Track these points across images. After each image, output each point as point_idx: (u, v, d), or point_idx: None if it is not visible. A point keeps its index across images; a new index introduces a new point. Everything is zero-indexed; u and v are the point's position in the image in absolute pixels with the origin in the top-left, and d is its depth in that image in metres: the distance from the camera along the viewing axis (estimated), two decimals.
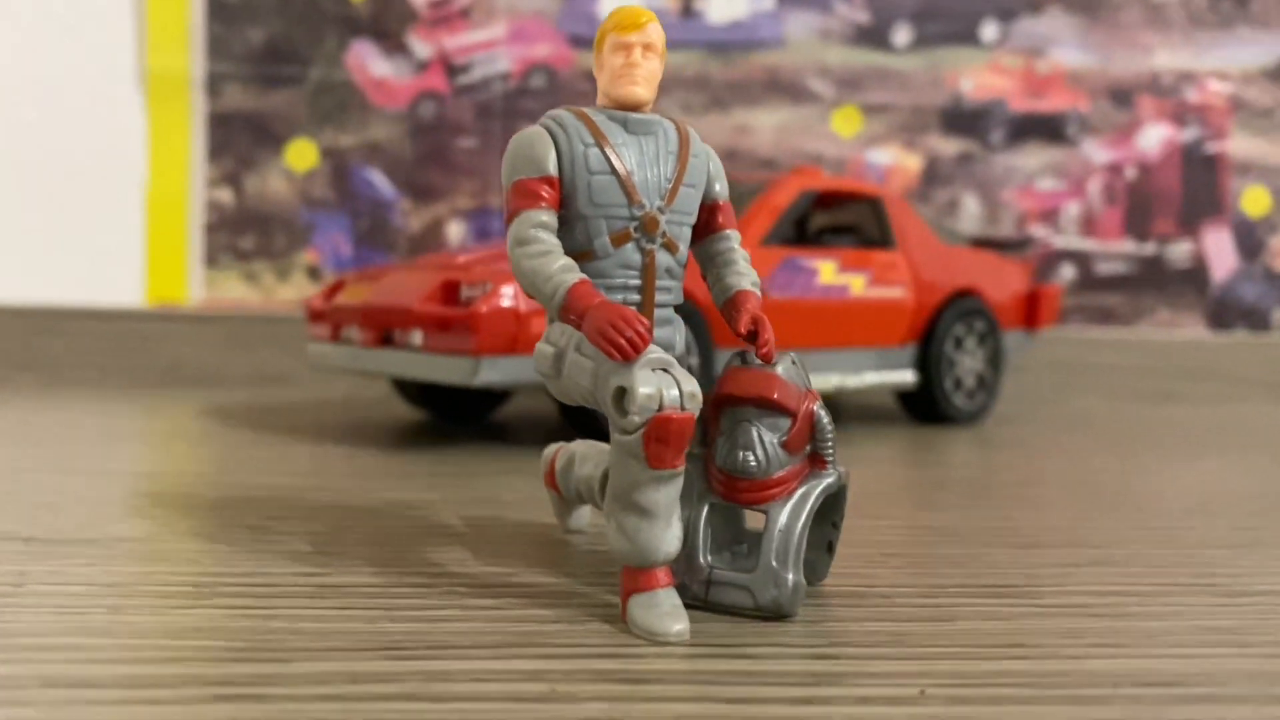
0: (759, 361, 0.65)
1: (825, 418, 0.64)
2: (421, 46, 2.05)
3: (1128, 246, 2.17)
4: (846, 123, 2.12)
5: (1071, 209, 2.16)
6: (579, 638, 0.58)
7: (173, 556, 0.74)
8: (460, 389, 1.48)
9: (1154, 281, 2.17)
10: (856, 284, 1.46)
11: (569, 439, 0.81)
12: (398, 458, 1.19)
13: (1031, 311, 1.74)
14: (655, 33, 0.66)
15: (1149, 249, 2.17)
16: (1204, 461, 1.32)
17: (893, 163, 2.12)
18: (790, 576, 0.61)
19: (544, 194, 0.63)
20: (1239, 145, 2.16)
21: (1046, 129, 2.15)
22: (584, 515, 0.83)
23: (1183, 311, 2.17)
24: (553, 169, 0.64)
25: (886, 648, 0.58)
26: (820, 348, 1.43)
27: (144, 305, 2.04)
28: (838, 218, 1.64)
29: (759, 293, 0.69)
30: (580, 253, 0.64)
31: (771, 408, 0.63)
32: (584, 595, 0.66)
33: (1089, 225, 2.17)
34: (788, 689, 0.52)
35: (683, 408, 0.58)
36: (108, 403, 1.67)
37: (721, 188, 0.70)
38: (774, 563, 0.62)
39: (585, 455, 0.75)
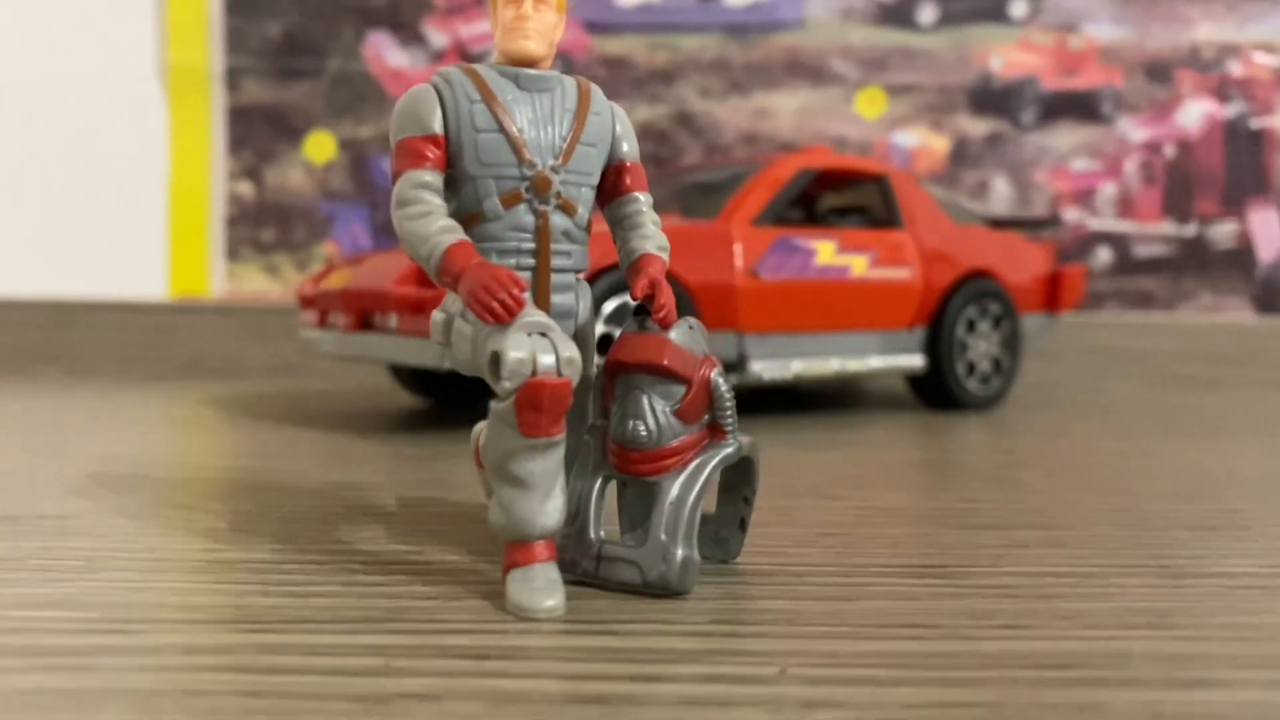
0: (655, 327, 0.61)
1: (723, 385, 0.61)
2: (437, 36, 2.04)
3: (1167, 228, 2.08)
4: (870, 104, 2.06)
5: (1107, 190, 2.08)
6: (448, 614, 0.56)
7: (83, 532, 0.72)
8: (455, 374, 1.46)
9: (1196, 264, 2.08)
10: (858, 265, 1.42)
11: None
12: (372, 442, 1.18)
13: (1054, 293, 1.67)
14: None
15: (1190, 230, 2.08)
16: (1220, 444, 1.26)
17: (919, 144, 2.06)
18: (679, 552, 0.58)
19: (428, 153, 0.61)
20: None
21: (1080, 107, 2.07)
22: None
23: (1227, 295, 2.08)
24: (438, 127, 0.61)
25: (771, 625, 0.54)
26: (818, 331, 1.38)
27: (167, 298, 2.06)
28: (845, 198, 1.59)
29: (665, 257, 0.66)
30: (470, 214, 0.62)
31: (663, 374, 0.60)
32: (480, 573, 0.63)
33: (1126, 206, 2.08)
34: (637, 666, 0.48)
35: (559, 373, 0.55)
36: (123, 392, 1.69)
37: (630, 148, 0.67)
38: (663, 537, 0.58)
39: (487, 425, 0.72)
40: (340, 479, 0.94)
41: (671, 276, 1.22)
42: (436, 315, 0.64)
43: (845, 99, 2.06)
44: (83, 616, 0.54)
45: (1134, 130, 2.08)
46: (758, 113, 2.04)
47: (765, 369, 1.33)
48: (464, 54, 2.03)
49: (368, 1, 2.02)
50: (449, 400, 1.51)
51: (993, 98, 2.06)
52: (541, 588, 0.56)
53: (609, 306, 1.20)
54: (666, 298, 0.62)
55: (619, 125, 0.66)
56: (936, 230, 1.53)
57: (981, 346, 1.54)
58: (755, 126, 2.04)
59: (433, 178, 0.61)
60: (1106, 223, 2.08)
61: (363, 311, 1.24)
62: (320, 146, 2.04)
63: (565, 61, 2.04)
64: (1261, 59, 2.06)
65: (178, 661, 0.48)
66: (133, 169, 2.06)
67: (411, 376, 1.50)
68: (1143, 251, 2.08)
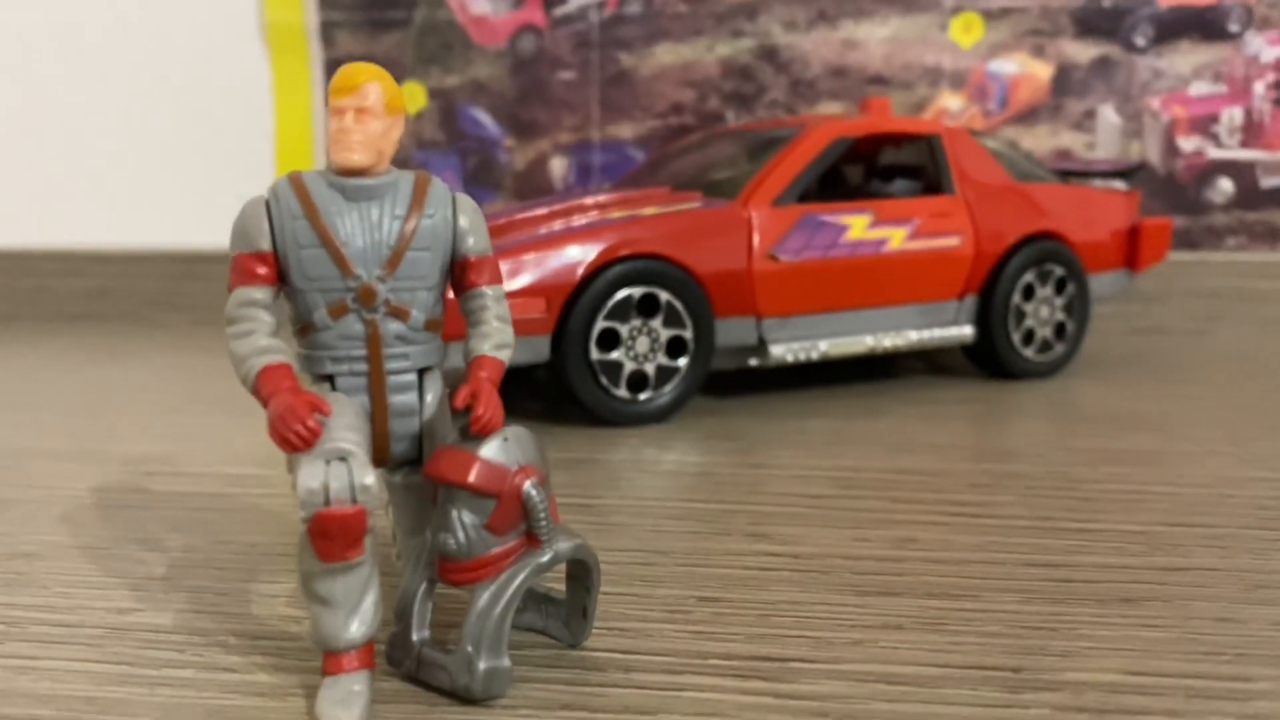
0: (471, 440, 0.63)
1: (536, 495, 0.62)
2: None
3: None
4: (966, 30, 1.94)
5: (1232, 115, 1.91)
6: (275, 715, 0.60)
7: (34, 583, 0.80)
8: None
9: None
10: (896, 237, 1.37)
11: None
12: None
13: (1133, 249, 1.56)
14: (373, 93, 0.64)
15: None
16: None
17: (1019, 72, 1.94)
18: (482, 664, 0.61)
19: (258, 271, 0.64)
20: None
21: (1202, 24, 1.89)
22: None
23: None
24: (265, 245, 0.64)
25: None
26: (848, 308, 1.35)
27: None
28: (889, 161, 1.53)
29: (502, 356, 0.67)
30: (304, 324, 0.65)
31: (470, 490, 0.61)
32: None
33: (1253, 133, 1.91)
34: None
35: (353, 501, 0.58)
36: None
37: (475, 241, 0.67)
38: (469, 648, 0.61)
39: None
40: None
41: (680, 267, 1.22)
42: None
43: (939, 25, 1.94)
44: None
45: (1266, 49, 1.88)
46: (845, 44, 1.96)
47: (787, 351, 1.32)
48: None
49: None
50: None
51: (1102, 18, 1.91)
52: (341, 700, 0.60)
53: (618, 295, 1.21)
54: (484, 408, 0.63)
55: (462, 220, 0.67)
56: (992, 191, 1.45)
57: (1043, 312, 1.47)
58: (843, 59, 1.96)
59: (262, 294, 0.64)
60: (1229, 151, 1.91)
61: None
62: (412, 96, 2.08)
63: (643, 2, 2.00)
64: None
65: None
66: (242, 124, 2.16)
67: None
68: (1271, 181, 1.91)
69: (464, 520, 0.62)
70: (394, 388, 0.66)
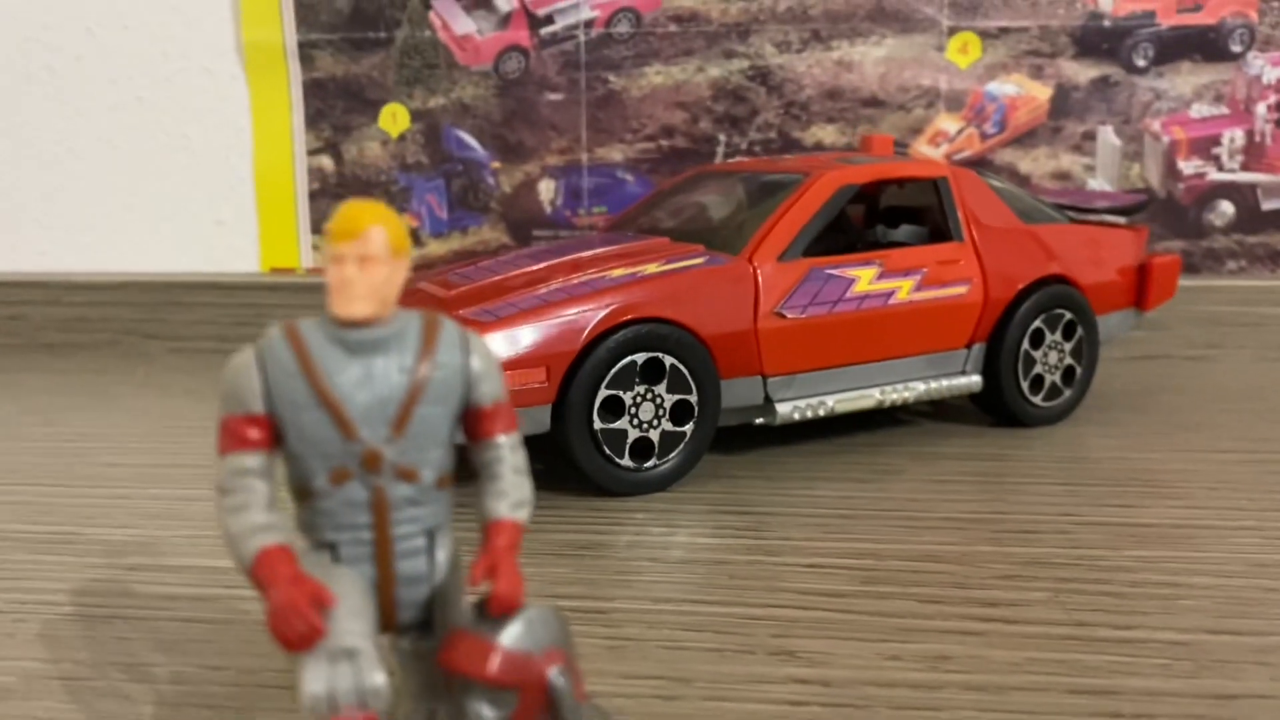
0: (489, 619, 0.58)
1: (563, 685, 0.58)
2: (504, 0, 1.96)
3: None
4: (964, 51, 1.89)
5: (1233, 137, 1.87)
6: None
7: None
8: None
9: None
10: (904, 288, 1.32)
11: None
12: None
13: (1142, 287, 1.53)
14: (377, 239, 0.59)
15: None
16: None
17: (1018, 93, 1.89)
18: None
19: (250, 435, 0.58)
20: None
21: (1204, 45, 1.85)
22: None
23: None
24: (258, 406, 0.58)
25: None
26: (855, 362, 1.31)
27: (260, 274, 2.11)
28: (893, 205, 1.48)
29: (520, 517, 0.62)
30: (302, 490, 0.59)
31: (489, 684, 0.57)
32: None
33: (1255, 155, 1.87)
34: None
35: (363, 704, 0.53)
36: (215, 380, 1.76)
37: (490, 388, 0.62)
38: None
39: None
40: None
41: (685, 329, 1.18)
42: None
43: (936, 46, 1.89)
44: None
45: (1269, 69, 1.85)
46: (840, 65, 1.90)
47: (795, 409, 1.27)
48: (531, 16, 1.95)
49: None
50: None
51: (1102, 38, 1.86)
52: None
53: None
54: (505, 584, 0.58)
55: (476, 364, 0.62)
56: (1001, 236, 1.41)
57: (1051, 358, 1.43)
58: (837, 80, 1.91)
59: (255, 461, 0.58)
60: (1230, 174, 1.87)
61: None
62: (395, 118, 2.02)
63: (634, 17, 1.94)
64: None
65: None
66: (220, 147, 2.10)
67: None
68: (1272, 204, 1.88)
69: (483, 715, 0.57)
70: (402, 554, 0.60)
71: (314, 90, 2.03)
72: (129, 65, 2.06)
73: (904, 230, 1.42)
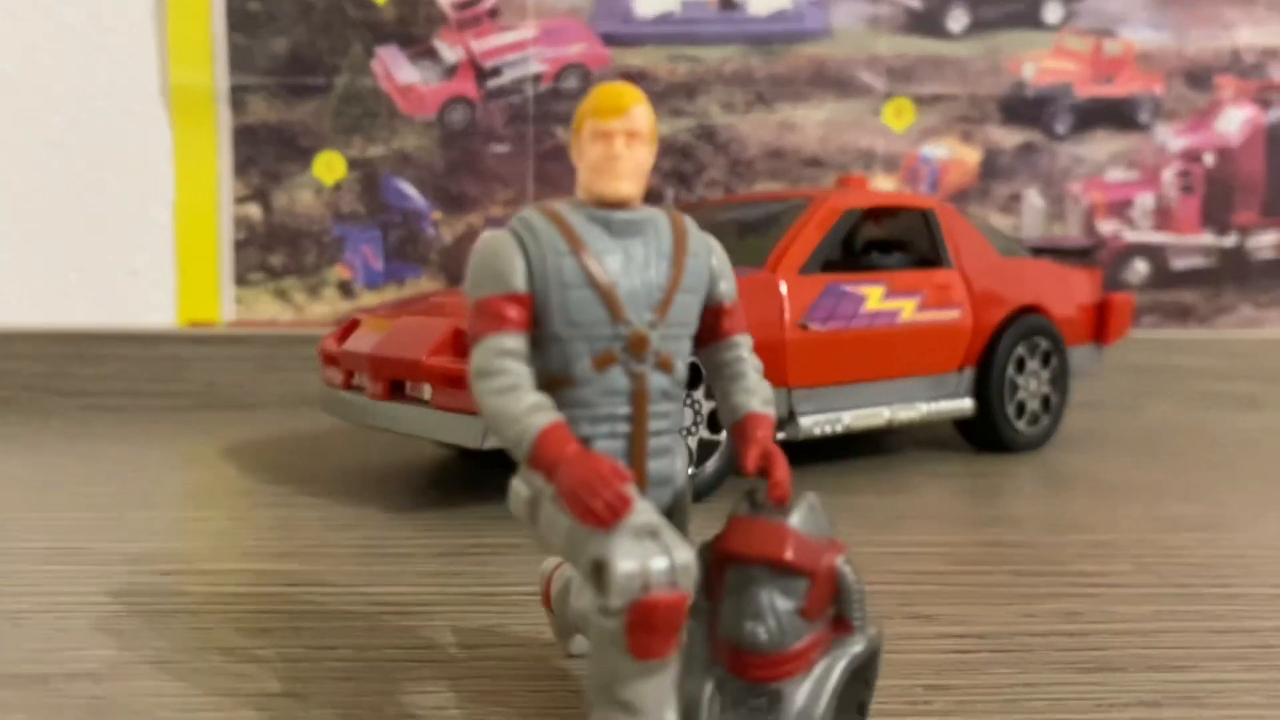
0: (769, 506, 0.55)
1: (851, 575, 0.55)
2: (449, 50, 1.95)
3: (1206, 239, 2.02)
4: (899, 116, 1.99)
5: (1145, 200, 2.01)
6: None
7: (123, 709, 0.66)
8: None
9: (1236, 276, 2.02)
10: (907, 309, 1.35)
11: None
12: (407, 524, 1.11)
13: (1102, 323, 1.61)
14: (642, 116, 0.56)
15: (1230, 241, 2.02)
16: None
17: (949, 156, 1.99)
18: None
19: (511, 315, 0.54)
20: None
21: (1116, 115, 2.00)
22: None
23: (1268, 308, 2.02)
24: (521, 284, 0.54)
25: None
26: (867, 380, 1.32)
27: (176, 326, 1.99)
28: (886, 233, 1.53)
29: (773, 413, 0.59)
30: (558, 378, 0.55)
31: (784, 569, 0.53)
32: None
33: (1164, 217, 2.02)
34: None
35: (674, 584, 0.49)
36: (136, 433, 1.63)
37: (728, 286, 0.60)
38: None
39: (583, 585, 0.66)
40: (384, 594, 0.87)
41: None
42: (518, 487, 0.57)
43: (873, 111, 1.98)
44: None
45: (1172, 138, 2.01)
46: (782, 126, 1.96)
47: (815, 424, 1.27)
48: (477, 69, 1.95)
49: (377, 16, 1.94)
50: (479, 452, 1.44)
51: (1025, 107, 1.99)
52: None
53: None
54: (783, 472, 0.55)
55: (715, 262, 0.60)
56: (984, 266, 1.46)
57: (1031, 385, 1.48)
58: (780, 141, 1.96)
59: (516, 343, 0.54)
60: (1143, 235, 2.01)
61: (392, 379, 1.17)
62: (330, 166, 1.96)
63: (583, 72, 1.96)
64: None
65: None
66: (138, 193, 1.98)
67: None
68: (1181, 263, 2.02)
69: (775, 605, 0.54)
70: (654, 451, 0.57)
71: (244, 136, 1.96)
72: (44, 105, 1.95)
73: (897, 258, 1.46)
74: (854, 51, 1.96)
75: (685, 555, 0.50)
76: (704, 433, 1.17)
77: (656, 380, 0.56)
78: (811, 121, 1.97)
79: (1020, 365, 1.47)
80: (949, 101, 1.98)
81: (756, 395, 0.59)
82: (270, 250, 1.97)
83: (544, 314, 0.55)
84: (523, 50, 1.95)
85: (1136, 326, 1.99)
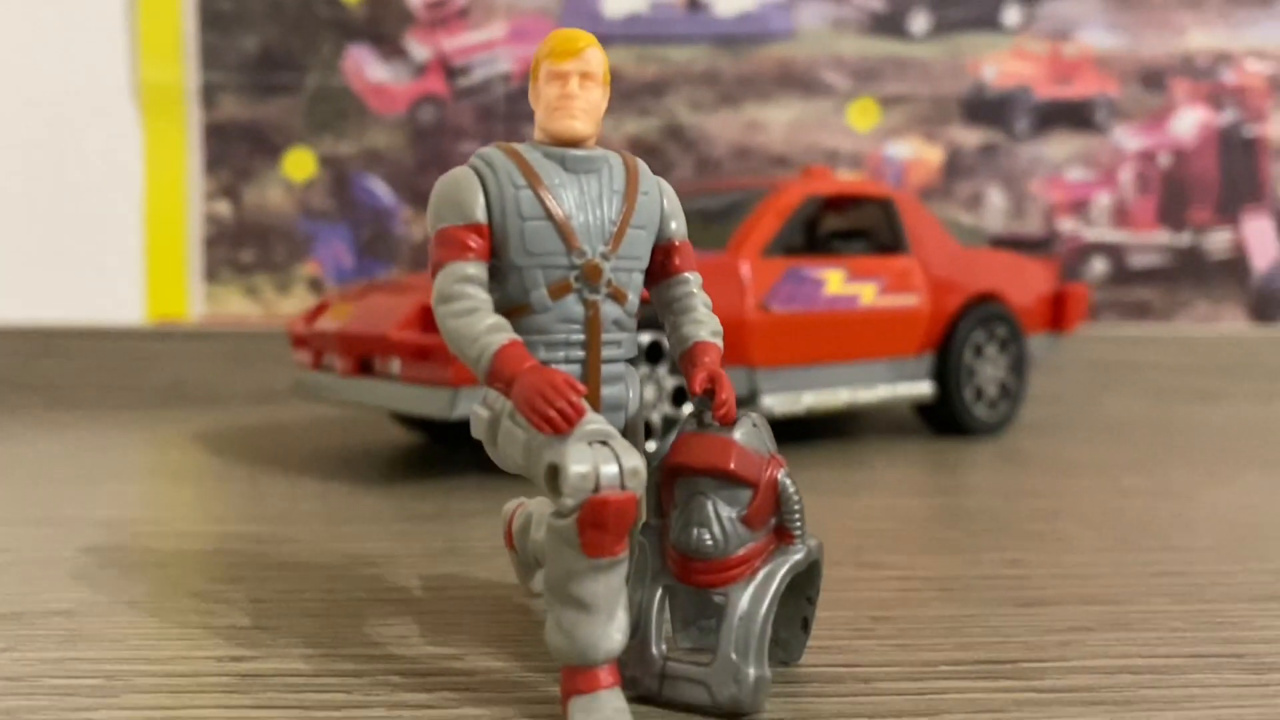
0: (715, 424, 0.58)
1: (791, 486, 0.57)
2: (419, 49, 1.98)
3: (1162, 237, 2.07)
4: (863, 116, 2.03)
5: (1102, 199, 2.06)
6: None
7: (98, 637, 0.68)
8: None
9: (1191, 273, 2.07)
10: (867, 293, 1.39)
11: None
12: (374, 493, 1.13)
13: (1058, 312, 1.65)
14: (595, 59, 0.59)
15: (1185, 239, 2.07)
16: (1246, 476, 1.24)
17: (912, 156, 2.03)
18: (751, 671, 0.55)
19: (471, 243, 0.57)
20: (1279, 128, 2.05)
21: (1074, 116, 2.05)
22: None
23: (1222, 304, 2.07)
24: (481, 215, 0.57)
25: None
26: (828, 362, 1.35)
27: (144, 323, 2.00)
28: (848, 221, 1.56)
29: (720, 343, 0.62)
30: (516, 307, 0.58)
31: (728, 479, 0.56)
32: (530, 687, 0.60)
33: (1121, 216, 2.07)
34: None
35: (623, 486, 0.52)
36: (105, 426, 1.64)
37: (678, 226, 0.63)
38: (733, 655, 0.55)
39: (542, 518, 0.68)
40: (353, 549, 0.89)
41: None
42: (479, 410, 0.60)
43: (837, 110, 2.02)
44: None
45: (1128, 139, 2.06)
46: (749, 125, 2.00)
47: (777, 403, 1.30)
48: (447, 68, 1.98)
49: (347, 14, 1.96)
50: (449, 438, 1.46)
51: (986, 107, 2.04)
52: (610, 718, 0.53)
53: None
54: (727, 393, 0.58)
55: (666, 202, 0.63)
56: (943, 254, 1.50)
57: (989, 371, 1.52)
58: (747, 140, 2.00)
59: (476, 270, 0.57)
60: (1101, 233, 2.06)
61: (362, 355, 1.20)
62: (300, 164, 1.98)
63: None
64: (1254, 66, 2.05)
65: None
66: (107, 190, 1.99)
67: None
68: (1138, 261, 2.07)
69: (720, 513, 0.56)
70: (607, 378, 0.60)
71: (215, 134, 1.98)
72: (13, 101, 1.96)
73: (857, 245, 1.49)
74: (818, 52, 2.00)
75: (634, 461, 0.52)
76: (666, 407, 1.20)
77: (609, 309, 0.59)
78: (778, 121, 2.01)
79: (978, 351, 1.50)
80: (912, 102, 2.03)
81: (705, 326, 0.62)
82: (240, 247, 1.99)
83: (503, 244, 0.57)
84: (492, 49, 1.99)
85: (1095, 323, 2.04)
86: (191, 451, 1.43)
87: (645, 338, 1.18)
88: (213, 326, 1.98)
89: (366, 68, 1.98)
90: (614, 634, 0.54)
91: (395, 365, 1.14)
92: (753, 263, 1.29)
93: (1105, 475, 1.25)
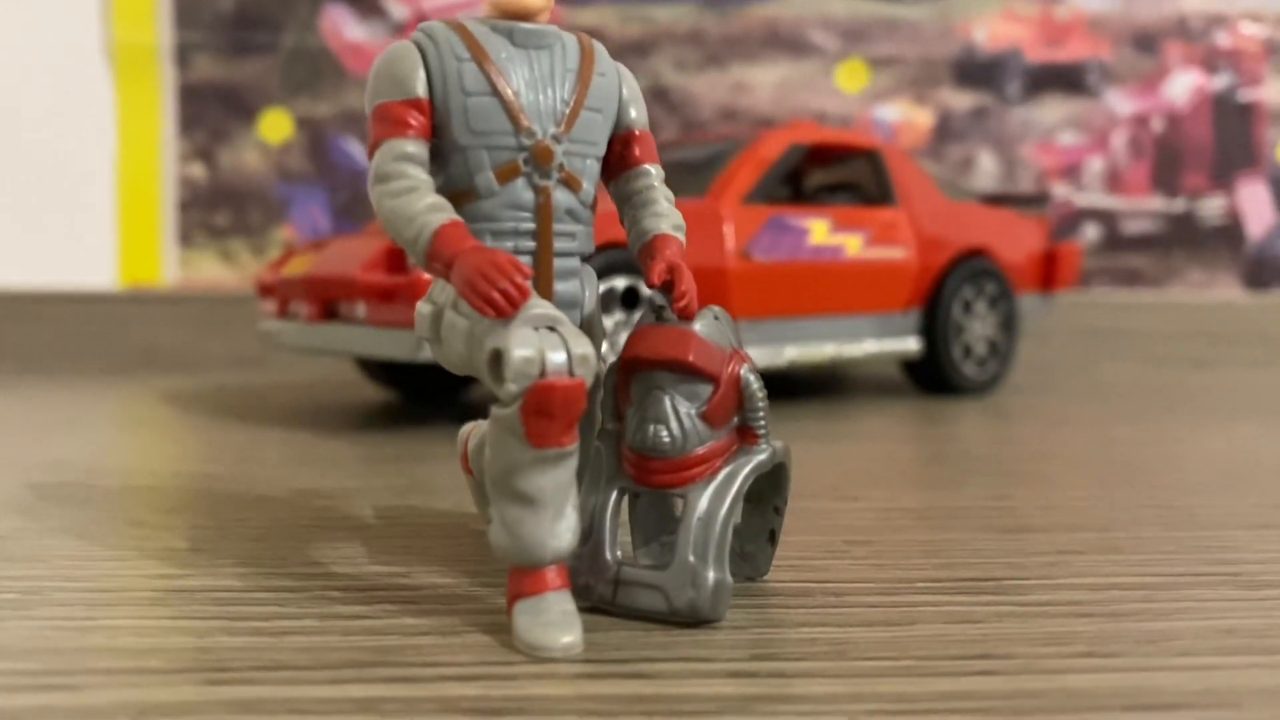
0: (674, 318, 0.54)
1: (755, 382, 0.54)
2: (397, 7, 1.94)
3: (1156, 203, 2.03)
4: (852, 77, 1.99)
5: (1095, 164, 2.02)
6: (446, 654, 0.48)
7: (21, 557, 0.64)
8: (427, 366, 1.38)
9: (1185, 240, 2.03)
10: (852, 244, 1.35)
11: None
12: (341, 443, 1.09)
13: (1049, 272, 1.61)
14: None
15: (1179, 205, 2.03)
16: (1236, 428, 1.20)
17: (902, 119, 1.99)
18: (710, 574, 0.51)
19: (411, 121, 0.53)
20: (1274, 92, 2.02)
21: (1066, 79, 2.01)
22: None
23: (1216, 271, 2.03)
24: (421, 90, 0.53)
25: (822, 661, 0.47)
26: (812, 315, 1.31)
27: (117, 287, 1.95)
28: (834, 175, 1.52)
29: (682, 237, 0.58)
30: (460, 191, 0.54)
31: (687, 372, 0.52)
32: (476, 599, 0.56)
33: (1114, 181, 2.03)
34: None
35: (571, 373, 0.48)
36: (74, 389, 1.59)
37: (638, 114, 0.59)
38: (691, 558, 0.51)
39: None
40: (309, 485, 0.86)
41: None
42: (422, 307, 0.56)
43: (825, 72, 1.98)
44: (16, 669, 0.46)
45: (1121, 103, 2.02)
46: (735, 87, 1.96)
47: (758, 356, 1.26)
48: None
49: None
50: (421, 394, 1.42)
51: (977, 70, 2.00)
52: (555, 621, 0.49)
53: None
54: (687, 284, 0.54)
55: (625, 89, 0.58)
56: (931, 207, 1.46)
57: (978, 328, 1.48)
58: (733, 101, 1.96)
59: (416, 148, 0.52)
60: (1094, 198, 2.02)
61: (327, 300, 1.16)
62: (276, 125, 1.94)
63: None
64: (1249, 29, 2.01)
65: None
66: (79, 152, 1.95)
67: (380, 370, 1.41)
68: (1131, 228, 2.03)
69: (678, 408, 0.52)
70: (560, 273, 0.55)
71: (189, 95, 1.93)
72: None
73: (842, 196, 1.45)
74: (806, 11, 1.96)
75: (583, 347, 0.48)
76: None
77: (562, 197, 0.54)
78: (765, 83, 1.97)
79: (967, 307, 1.46)
80: (901, 64, 1.99)
81: (666, 219, 0.58)
82: (215, 210, 1.94)
83: (445, 121, 0.53)
84: (470, 6, 1.94)
85: (1087, 290, 2.00)
86: (158, 408, 1.38)
87: (622, 282, 1.14)
88: (186, 291, 1.93)
89: (344, 27, 1.94)
90: (563, 533, 0.50)
91: (361, 309, 1.10)
92: (733, 210, 1.25)
93: (1096, 427, 1.21)
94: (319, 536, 0.69)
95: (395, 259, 1.10)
